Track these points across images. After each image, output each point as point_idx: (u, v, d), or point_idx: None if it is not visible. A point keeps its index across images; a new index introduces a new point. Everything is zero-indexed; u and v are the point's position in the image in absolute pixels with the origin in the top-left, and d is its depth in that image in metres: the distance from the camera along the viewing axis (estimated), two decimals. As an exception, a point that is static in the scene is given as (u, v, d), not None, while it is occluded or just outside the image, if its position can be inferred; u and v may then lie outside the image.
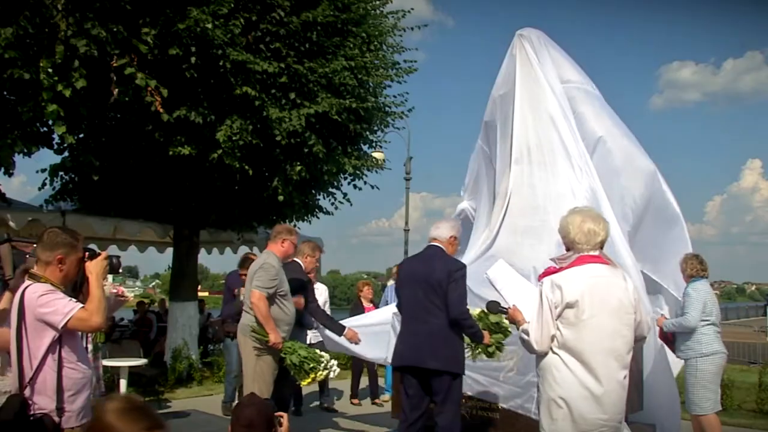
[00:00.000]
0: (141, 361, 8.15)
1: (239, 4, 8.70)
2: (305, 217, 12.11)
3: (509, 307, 4.09)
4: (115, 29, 7.32)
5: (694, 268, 6.22)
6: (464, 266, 4.96)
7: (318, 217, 12.30)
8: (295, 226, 12.44)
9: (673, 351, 6.21)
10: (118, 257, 3.76)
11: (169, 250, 12.47)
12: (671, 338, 6.20)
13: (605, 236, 3.65)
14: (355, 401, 9.12)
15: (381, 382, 9.53)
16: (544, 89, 6.08)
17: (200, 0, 8.15)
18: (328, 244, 15.22)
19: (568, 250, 3.75)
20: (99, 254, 3.57)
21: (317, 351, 6.04)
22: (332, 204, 12.02)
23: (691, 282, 6.21)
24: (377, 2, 10.99)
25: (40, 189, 10.27)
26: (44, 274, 3.33)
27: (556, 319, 3.45)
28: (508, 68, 6.45)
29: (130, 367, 7.68)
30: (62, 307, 3.22)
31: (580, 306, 3.41)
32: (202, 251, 13.26)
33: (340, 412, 8.49)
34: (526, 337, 3.55)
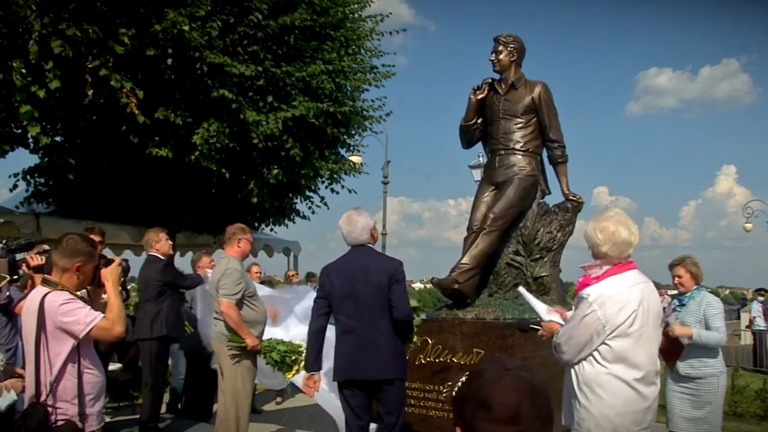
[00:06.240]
0: (115, 366, 8.06)
1: (216, 6, 8.66)
2: (282, 221, 12.07)
3: (542, 322, 3.80)
4: (90, 30, 7.25)
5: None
6: (402, 263, 4.59)
7: (294, 222, 12.27)
8: (271, 230, 12.43)
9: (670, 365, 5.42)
10: (126, 260, 3.78)
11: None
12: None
13: (637, 241, 3.47)
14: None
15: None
16: None
17: (177, 2, 8.11)
18: (305, 248, 15.20)
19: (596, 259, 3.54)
20: (112, 260, 3.57)
21: (293, 342, 6.05)
22: (309, 208, 12.01)
23: (701, 289, 5.50)
24: (355, 6, 11.00)
25: (11, 190, 10.16)
26: (60, 281, 3.32)
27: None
28: None
29: (103, 371, 7.58)
30: (84, 317, 3.22)
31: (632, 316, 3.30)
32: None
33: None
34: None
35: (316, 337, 4.67)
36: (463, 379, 1.61)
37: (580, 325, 3.30)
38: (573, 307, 3.58)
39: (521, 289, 4.18)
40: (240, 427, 5.79)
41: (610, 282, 3.37)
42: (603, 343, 3.27)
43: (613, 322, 3.24)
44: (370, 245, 4.68)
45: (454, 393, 1.62)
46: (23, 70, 6.99)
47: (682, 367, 5.29)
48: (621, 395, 3.27)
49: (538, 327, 3.84)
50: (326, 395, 6.15)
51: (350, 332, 4.50)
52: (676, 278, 5.51)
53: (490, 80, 6.48)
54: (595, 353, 3.29)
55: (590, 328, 3.26)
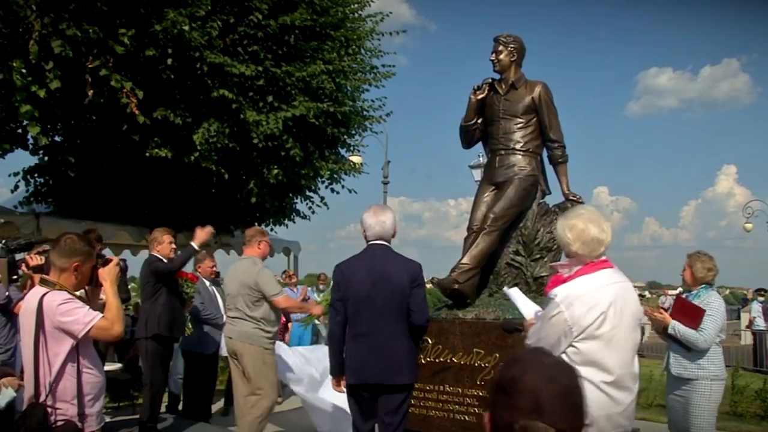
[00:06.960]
0: (115, 366, 8.07)
1: (216, 6, 8.66)
2: (282, 221, 12.07)
3: (525, 324, 3.71)
4: (90, 30, 7.24)
5: (714, 271, 5.28)
6: (421, 266, 4.47)
7: (294, 221, 12.28)
8: (271, 230, 12.45)
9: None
10: (124, 260, 3.79)
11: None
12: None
13: (610, 239, 3.29)
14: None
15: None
16: None
17: (177, 2, 8.11)
18: (305, 248, 15.20)
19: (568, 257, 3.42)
20: (110, 260, 3.57)
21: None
22: (309, 208, 12.02)
23: (708, 289, 5.30)
24: (355, 6, 11.01)
25: (12, 191, 10.14)
26: (58, 281, 3.32)
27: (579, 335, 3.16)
28: None
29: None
30: (83, 317, 3.22)
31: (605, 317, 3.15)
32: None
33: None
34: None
35: (337, 343, 4.55)
36: (501, 365, 1.59)
37: (548, 326, 3.18)
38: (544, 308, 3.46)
39: (506, 289, 4.16)
40: (262, 428, 5.89)
41: (579, 282, 3.22)
42: (570, 345, 3.14)
43: (580, 323, 3.10)
44: (388, 245, 4.53)
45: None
46: (23, 70, 6.98)
47: (675, 366, 5.11)
48: (591, 399, 3.12)
49: (522, 328, 3.78)
50: (314, 401, 6.23)
51: (365, 334, 4.38)
52: (681, 270, 5.38)
53: (490, 80, 6.47)
54: (563, 356, 3.14)
55: (557, 330, 3.14)
